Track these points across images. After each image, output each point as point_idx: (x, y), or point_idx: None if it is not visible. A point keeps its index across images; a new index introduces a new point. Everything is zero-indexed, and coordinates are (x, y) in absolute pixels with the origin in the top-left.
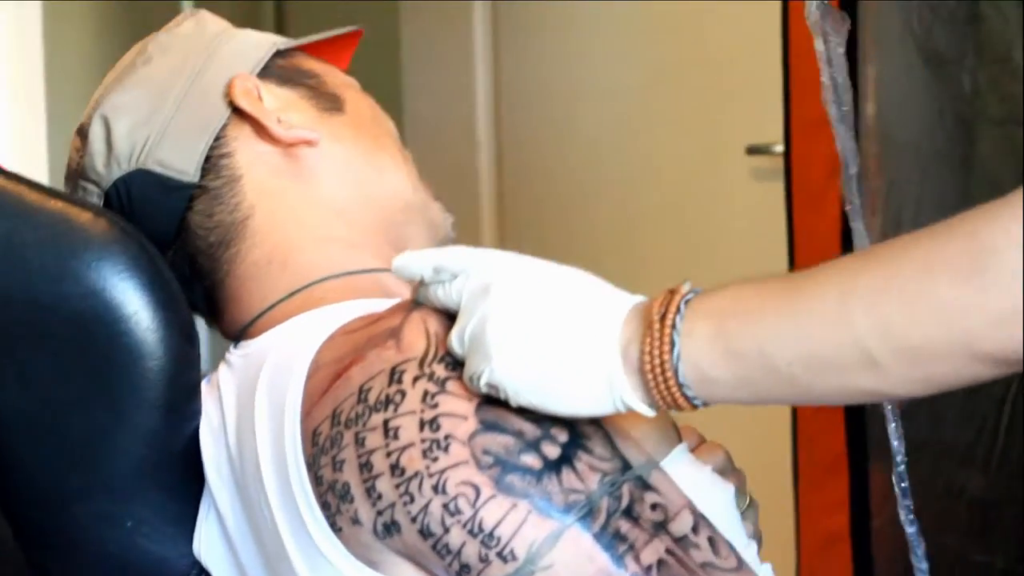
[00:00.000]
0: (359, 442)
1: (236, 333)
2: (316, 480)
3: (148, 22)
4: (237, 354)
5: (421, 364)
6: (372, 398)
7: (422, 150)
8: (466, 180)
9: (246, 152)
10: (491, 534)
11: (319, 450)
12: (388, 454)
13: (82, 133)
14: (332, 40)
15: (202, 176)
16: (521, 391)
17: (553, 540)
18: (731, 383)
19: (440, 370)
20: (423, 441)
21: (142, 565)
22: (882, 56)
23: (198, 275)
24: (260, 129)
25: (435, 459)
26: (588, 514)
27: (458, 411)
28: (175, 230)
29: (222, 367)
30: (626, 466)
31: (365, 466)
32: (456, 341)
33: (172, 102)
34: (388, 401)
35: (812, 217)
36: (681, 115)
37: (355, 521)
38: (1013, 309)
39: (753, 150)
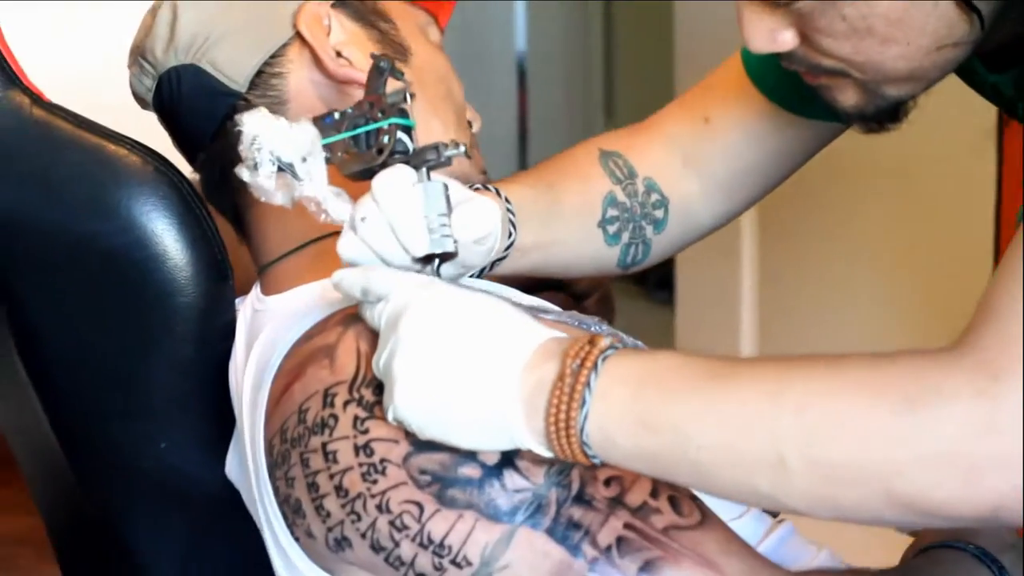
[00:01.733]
0: (304, 462)
1: (259, 268)
2: (275, 489)
3: None
4: (254, 305)
5: (351, 387)
6: (310, 419)
7: None
8: None
9: (299, 77)
10: (441, 544)
11: (273, 463)
12: (331, 476)
13: (153, 13)
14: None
15: (250, 89)
16: (424, 428)
17: (506, 541)
18: (634, 453)
19: (368, 394)
20: (360, 465)
21: (175, 482)
22: None
23: (228, 185)
24: (317, 58)
25: (375, 481)
26: (537, 510)
27: (388, 436)
28: (213, 133)
29: (246, 308)
30: None
31: (312, 486)
32: (375, 368)
33: (242, 7)
34: (323, 424)
35: None
36: None
37: (309, 535)
38: (940, 456)
39: None
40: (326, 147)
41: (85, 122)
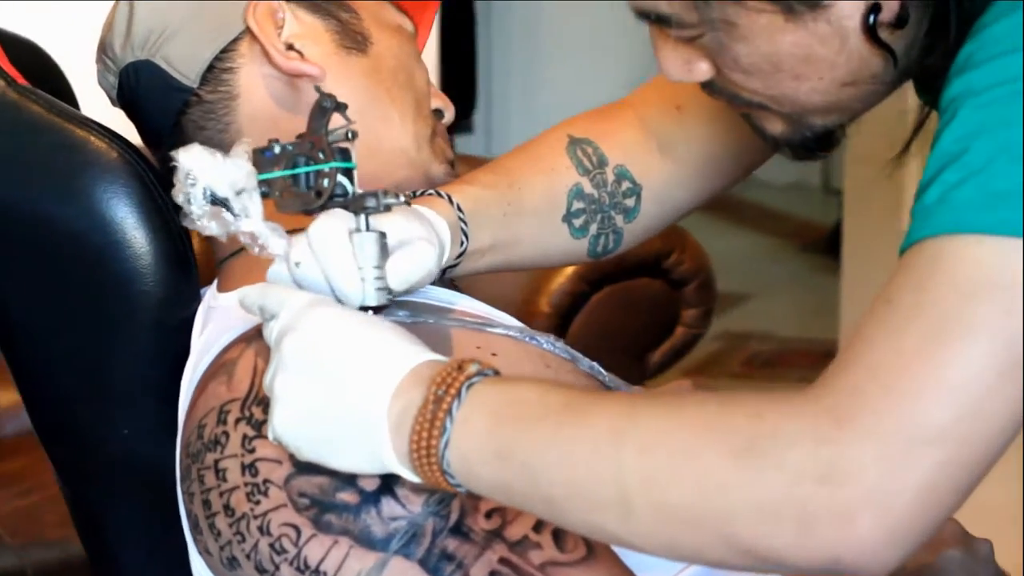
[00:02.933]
0: (200, 479)
1: (216, 262)
2: (182, 501)
3: None
4: (209, 300)
5: (243, 405)
6: (206, 435)
7: None
8: None
9: (250, 72)
10: (317, 569)
11: (180, 476)
12: (221, 494)
13: (115, 9)
14: None
15: (201, 84)
16: (301, 449)
17: (379, 570)
18: (492, 484)
19: (258, 413)
20: (246, 485)
21: (139, 467)
22: None
23: None
24: (267, 52)
25: (257, 502)
26: (412, 539)
27: (272, 456)
28: (170, 129)
29: (205, 301)
30: None
31: (205, 503)
32: (264, 387)
33: (197, 3)
34: (216, 441)
35: None
36: None
37: (207, 551)
38: (775, 504)
39: None
40: (264, 182)
41: (58, 107)
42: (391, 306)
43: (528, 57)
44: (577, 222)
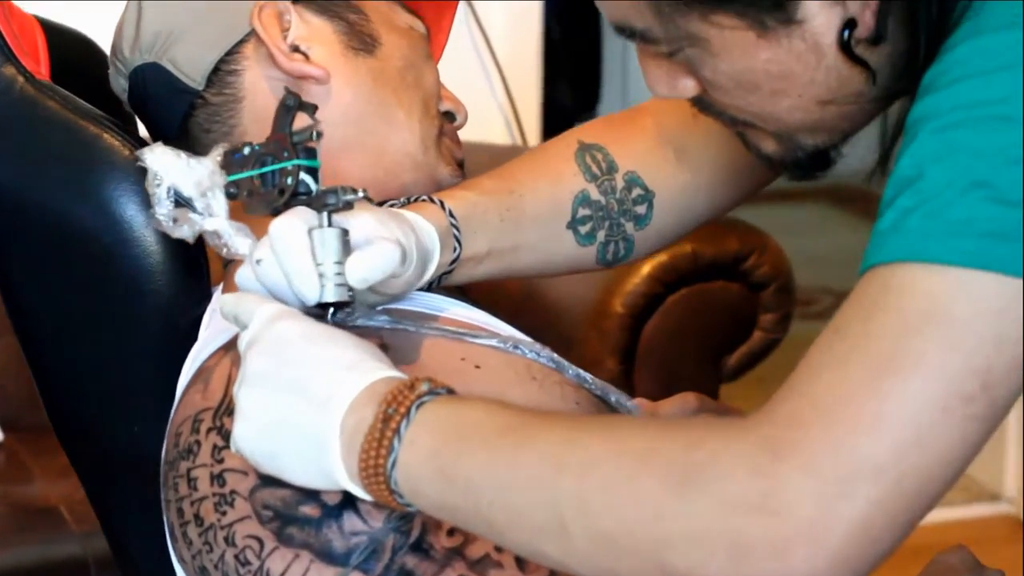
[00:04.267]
0: (175, 487)
1: (224, 263)
2: (163, 508)
3: None
4: (213, 303)
5: (215, 415)
6: (181, 443)
7: None
8: None
9: (255, 74)
10: None
11: (161, 482)
12: (192, 503)
13: (125, 12)
14: None
15: (207, 86)
16: (259, 463)
17: None
18: (438, 504)
19: (228, 423)
20: (214, 495)
21: (149, 465)
22: None
23: None
24: (271, 54)
25: (224, 513)
26: (372, 555)
27: (239, 467)
28: (176, 131)
29: (213, 302)
30: None
31: (179, 512)
32: (233, 397)
33: (203, 4)
34: (189, 450)
35: None
36: None
37: (182, 559)
38: (708, 533)
39: None
40: (233, 183)
41: (73, 103)
42: (375, 312)
43: None
44: (583, 229)
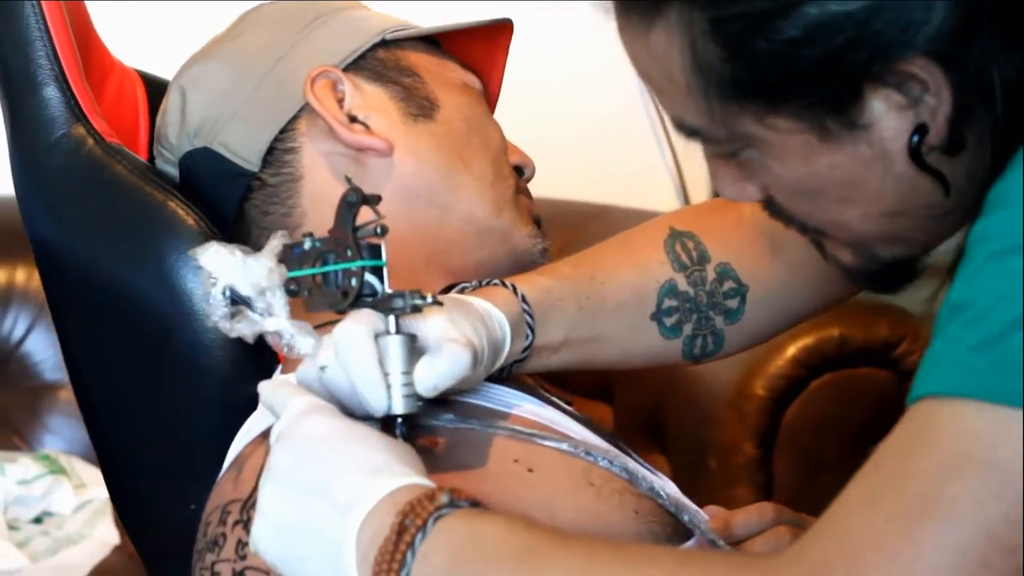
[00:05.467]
0: None
1: None
2: None
3: None
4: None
5: (243, 507)
6: (209, 533)
7: None
8: None
9: (312, 150)
10: None
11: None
12: None
13: (167, 96)
14: (479, 32)
15: (264, 167)
16: (276, 564)
17: None
18: None
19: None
20: None
21: None
22: None
23: None
24: (330, 127)
25: None
26: None
27: (261, 566)
28: (234, 215)
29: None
30: None
31: None
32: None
33: (250, 83)
34: (215, 542)
35: None
36: None
37: None
38: None
39: None
40: (293, 280)
41: (142, 169)
42: (440, 410)
43: None
44: (668, 321)
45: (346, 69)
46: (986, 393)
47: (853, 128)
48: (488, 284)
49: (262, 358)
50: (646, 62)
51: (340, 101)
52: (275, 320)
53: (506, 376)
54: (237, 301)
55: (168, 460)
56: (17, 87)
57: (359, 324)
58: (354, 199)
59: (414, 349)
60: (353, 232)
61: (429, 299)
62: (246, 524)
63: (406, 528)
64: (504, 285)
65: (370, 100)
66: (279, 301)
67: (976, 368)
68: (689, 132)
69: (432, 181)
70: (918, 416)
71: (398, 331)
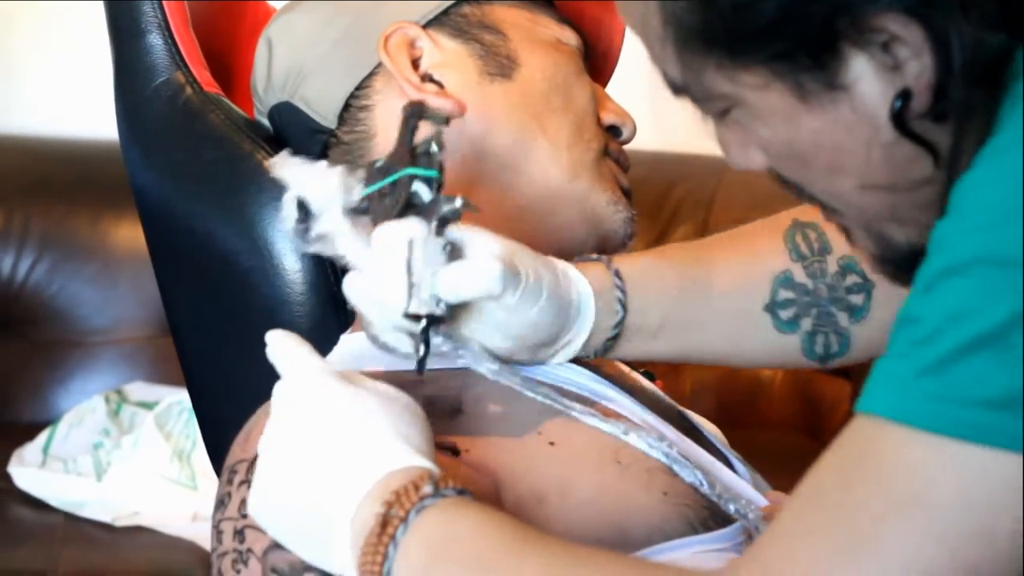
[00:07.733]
0: (214, 536)
1: None
2: None
3: None
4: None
5: (249, 467)
6: (220, 493)
7: None
8: None
9: (386, 109)
10: None
11: None
12: (218, 556)
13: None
14: None
15: (340, 124)
16: (270, 531)
17: None
18: None
19: None
20: (233, 551)
21: None
22: None
23: None
24: (401, 87)
25: (238, 572)
26: None
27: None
28: None
29: None
30: None
31: (213, 564)
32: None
33: (333, 35)
34: (222, 501)
35: None
36: None
37: None
38: None
39: None
40: (365, 197)
41: (237, 120)
42: (486, 357)
43: None
44: (784, 314)
45: (429, 25)
46: (931, 423)
47: (832, 88)
48: (578, 260)
49: (338, 319)
50: (633, 14)
51: (417, 59)
52: (338, 232)
53: (595, 357)
54: (307, 213)
55: (246, 409)
56: (123, 33)
57: (398, 225)
58: (411, 112)
59: (452, 257)
60: (411, 146)
61: (459, 202)
62: (250, 484)
63: (390, 520)
64: (598, 259)
65: (448, 57)
66: (343, 213)
67: (923, 393)
68: (675, 88)
69: (504, 143)
70: (862, 435)
71: (439, 236)
